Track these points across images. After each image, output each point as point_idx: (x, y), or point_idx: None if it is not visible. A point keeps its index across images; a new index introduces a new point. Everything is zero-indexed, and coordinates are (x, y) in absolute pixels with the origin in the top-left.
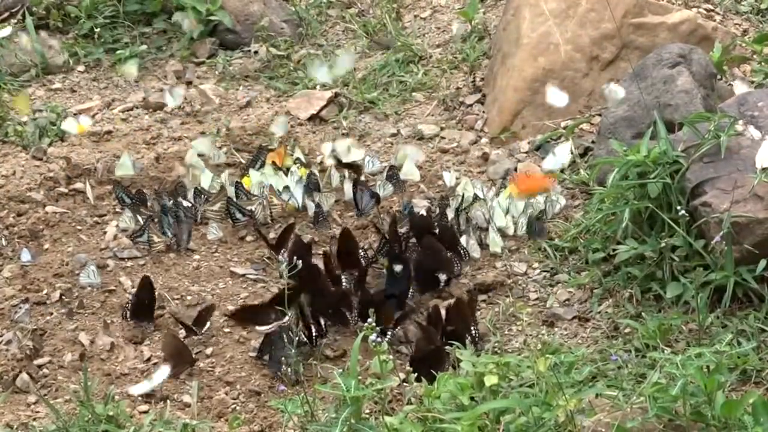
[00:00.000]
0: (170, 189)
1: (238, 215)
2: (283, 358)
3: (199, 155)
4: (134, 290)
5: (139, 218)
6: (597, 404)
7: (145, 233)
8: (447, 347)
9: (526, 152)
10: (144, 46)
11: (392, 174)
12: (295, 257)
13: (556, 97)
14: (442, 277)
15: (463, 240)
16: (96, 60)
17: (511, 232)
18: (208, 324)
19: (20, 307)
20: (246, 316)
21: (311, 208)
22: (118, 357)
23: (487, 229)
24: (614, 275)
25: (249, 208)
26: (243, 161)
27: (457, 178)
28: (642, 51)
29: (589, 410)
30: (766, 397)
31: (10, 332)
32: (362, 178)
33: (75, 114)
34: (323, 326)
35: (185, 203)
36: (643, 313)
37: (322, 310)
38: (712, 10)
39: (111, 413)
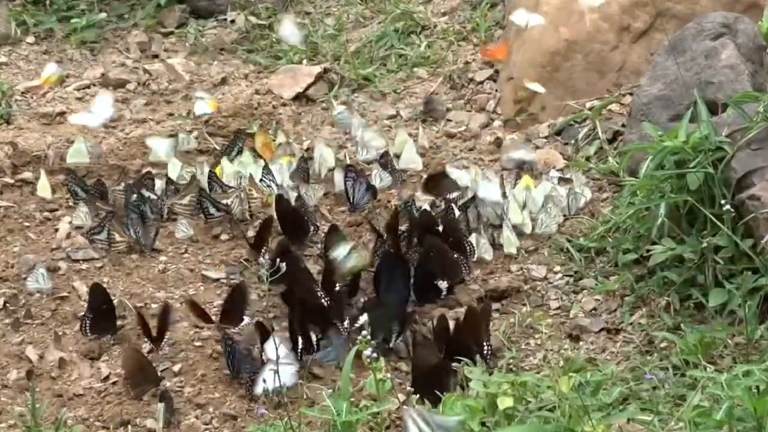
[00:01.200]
0: (134, 179)
1: (212, 210)
2: (263, 379)
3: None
4: (86, 302)
5: (98, 213)
6: (628, 430)
7: (103, 231)
8: (454, 364)
9: (546, 137)
10: (103, 14)
11: (386, 162)
12: (278, 259)
13: None
14: (443, 284)
15: (472, 239)
16: (48, 30)
17: (528, 230)
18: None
19: None
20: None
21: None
22: (71, 375)
23: (500, 227)
24: (648, 280)
25: (224, 201)
26: (217, 147)
27: (465, 168)
28: (680, 20)
29: None
30: None
31: None
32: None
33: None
34: (314, 340)
35: (150, 196)
36: (681, 325)
37: (310, 320)
38: None
39: None
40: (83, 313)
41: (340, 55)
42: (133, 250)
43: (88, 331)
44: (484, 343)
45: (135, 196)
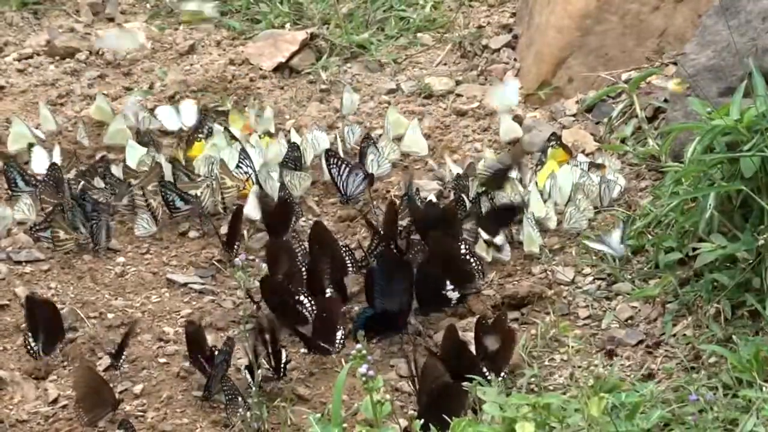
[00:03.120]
0: (86, 166)
1: (178, 203)
2: (238, 399)
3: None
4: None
5: (44, 207)
6: None
7: (50, 227)
8: (465, 383)
9: (574, 115)
10: None
11: (367, 145)
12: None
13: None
14: (453, 293)
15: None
16: None
17: (553, 225)
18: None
19: None
20: None
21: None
22: (12, 397)
23: (520, 222)
24: (694, 284)
25: (193, 192)
26: (184, 128)
27: (478, 151)
28: None
29: None
30: None
31: None
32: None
33: None
34: (282, 356)
35: (104, 185)
36: (733, 336)
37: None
38: None
39: None
40: (24, 332)
41: (330, 17)
42: (85, 250)
43: (40, 351)
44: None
45: (83, 185)
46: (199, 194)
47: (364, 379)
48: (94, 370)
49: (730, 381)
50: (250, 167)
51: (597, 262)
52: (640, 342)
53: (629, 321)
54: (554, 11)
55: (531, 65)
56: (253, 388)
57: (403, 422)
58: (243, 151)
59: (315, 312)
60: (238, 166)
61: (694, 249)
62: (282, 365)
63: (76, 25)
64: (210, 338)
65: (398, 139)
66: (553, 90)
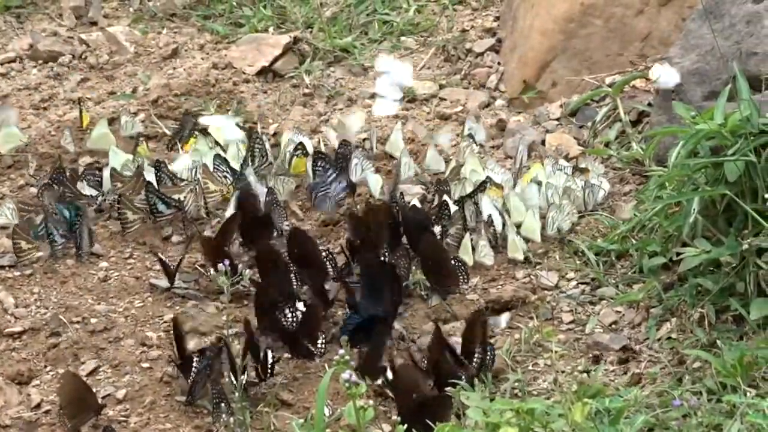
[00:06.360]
0: (71, 171)
1: (161, 207)
2: (222, 404)
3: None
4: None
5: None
6: None
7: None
8: (449, 388)
9: (558, 119)
10: None
11: (350, 150)
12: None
13: None
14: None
15: (466, 240)
16: None
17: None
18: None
19: None
20: None
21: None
22: None
23: (504, 226)
24: (678, 289)
25: (176, 196)
26: (167, 132)
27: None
28: None
29: None
30: None
31: None
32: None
33: None
34: (270, 360)
35: (88, 191)
36: (718, 341)
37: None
38: None
39: None
40: None
41: (313, 21)
42: (68, 255)
43: None
44: (476, 354)
45: (61, 190)
46: (182, 198)
47: (347, 384)
48: (78, 376)
49: (714, 386)
50: (227, 172)
51: (581, 267)
52: (624, 347)
53: (613, 326)
54: (538, 15)
55: (515, 69)
56: (237, 393)
57: (387, 427)
58: (218, 156)
59: (298, 317)
60: (215, 170)
61: (678, 253)
62: (269, 366)
63: (59, 29)
64: (193, 343)
65: (383, 142)
66: (537, 94)
